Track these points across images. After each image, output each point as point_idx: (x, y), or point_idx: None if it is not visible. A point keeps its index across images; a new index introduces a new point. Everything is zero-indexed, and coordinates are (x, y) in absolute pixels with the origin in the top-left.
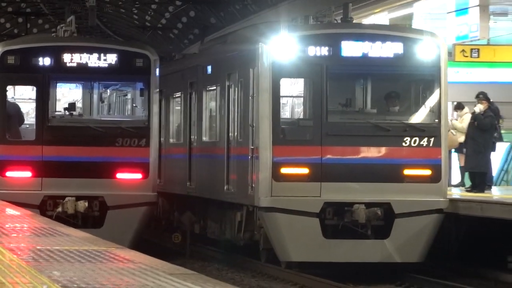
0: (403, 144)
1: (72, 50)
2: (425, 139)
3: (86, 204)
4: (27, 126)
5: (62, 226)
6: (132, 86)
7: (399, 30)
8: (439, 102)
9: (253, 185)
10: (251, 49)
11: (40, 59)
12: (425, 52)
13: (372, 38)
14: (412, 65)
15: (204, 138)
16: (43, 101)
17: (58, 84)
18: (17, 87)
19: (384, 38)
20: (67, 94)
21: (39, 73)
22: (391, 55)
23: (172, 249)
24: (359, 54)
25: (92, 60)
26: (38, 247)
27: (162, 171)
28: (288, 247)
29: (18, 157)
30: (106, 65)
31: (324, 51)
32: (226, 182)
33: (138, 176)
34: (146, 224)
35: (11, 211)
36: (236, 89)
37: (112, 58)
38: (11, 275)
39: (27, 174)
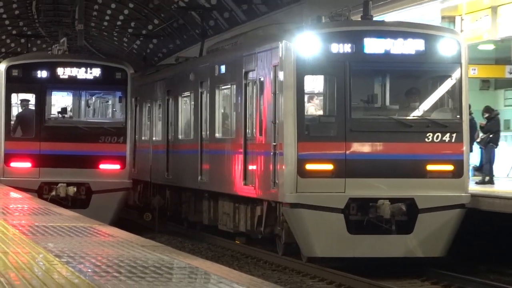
0: (426, 139)
1: (64, 65)
2: (447, 134)
3: (75, 189)
4: (30, 124)
5: (55, 207)
6: (113, 94)
7: (420, 27)
8: (460, 98)
9: (276, 181)
10: (274, 47)
11: (38, 72)
12: (446, 49)
13: (394, 35)
14: (433, 62)
15: (217, 135)
16: (41, 106)
17: (52, 92)
18: (19, 94)
19: (405, 35)
20: (60, 100)
21: (37, 83)
22: (413, 52)
23: (146, 226)
24: (382, 51)
25: (80, 73)
26: (35, 224)
27: (171, 165)
28: (313, 242)
29: (21, 150)
30: (92, 77)
31: (347, 48)
32: (243, 178)
33: (117, 167)
34: (123, 205)
35: (14, 194)
36: (255, 87)
37: (96, 72)
38: (14, 246)
39: (28, 164)
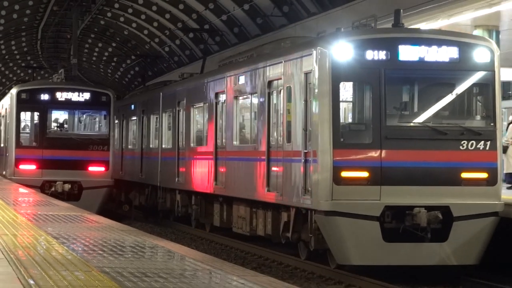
0: (460, 147)
1: (62, 90)
2: (482, 142)
3: (70, 186)
4: (35, 136)
5: (54, 200)
6: (99, 113)
7: (454, 35)
8: (493, 106)
9: (308, 188)
10: (305, 54)
11: (42, 95)
12: (479, 57)
13: (428, 42)
14: (467, 69)
15: (235, 143)
16: (43, 121)
17: (52, 111)
18: (27, 113)
19: (439, 43)
20: (58, 117)
21: (41, 104)
22: (447, 59)
23: (124, 215)
24: (416, 58)
25: (74, 96)
26: (38, 212)
27: (182, 171)
28: (348, 250)
29: (27, 156)
30: (83, 100)
31: (381, 55)
32: (266, 184)
33: (102, 169)
34: (107, 199)
35: (22, 189)
36: (280, 95)
37: (86, 95)
38: (21, 229)
39: (33, 167)
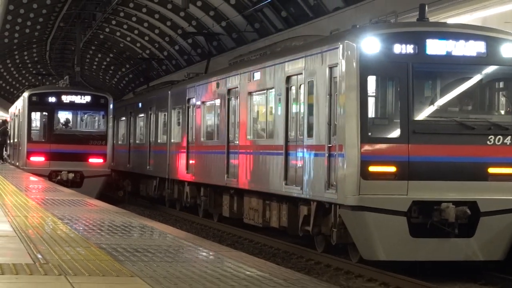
0: (488, 142)
1: (67, 94)
2: (509, 137)
3: (73, 175)
4: (43, 132)
5: (60, 187)
6: (98, 113)
7: (481, 29)
8: None
9: (333, 183)
10: (330, 48)
11: (49, 98)
12: (507, 51)
13: (456, 36)
14: (494, 64)
15: (248, 137)
16: (51, 120)
17: (59, 112)
18: (37, 113)
19: (467, 37)
20: (64, 116)
21: (49, 106)
22: (474, 54)
23: (119, 199)
24: (443, 53)
25: (77, 99)
26: (46, 197)
27: (192, 164)
28: (375, 245)
29: (37, 149)
30: (85, 102)
31: (409, 49)
32: (284, 178)
33: (101, 160)
34: (105, 186)
35: (33, 178)
36: (301, 90)
37: (88, 98)
38: (32, 212)
39: (42, 159)
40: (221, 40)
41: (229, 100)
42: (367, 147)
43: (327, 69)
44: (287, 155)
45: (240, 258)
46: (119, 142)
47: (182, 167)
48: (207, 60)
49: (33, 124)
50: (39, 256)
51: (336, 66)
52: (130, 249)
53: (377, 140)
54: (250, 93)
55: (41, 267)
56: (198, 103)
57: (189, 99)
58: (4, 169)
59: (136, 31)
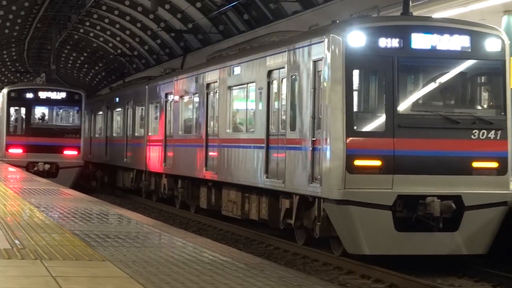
0: (472, 136)
1: (43, 90)
2: (493, 131)
3: (49, 166)
4: (21, 126)
5: (36, 177)
6: (73, 109)
7: (465, 24)
8: (504, 95)
9: (317, 176)
10: (314, 42)
11: (27, 94)
12: (490, 46)
13: (441, 31)
14: (478, 58)
15: (228, 131)
16: (28, 115)
17: (36, 107)
18: (15, 108)
19: (451, 31)
20: (41, 111)
21: (27, 101)
22: (458, 48)
23: (92, 189)
24: (428, 47)
25: (53, 95)
26: (24, 187)
27: (169, 157)
28: (360, 240)
29: (16, 142)
30: (60, 98)
31: (394, 43)
32: (265, 171)
33: (75, 152)
34: (78, 176)
35: (11, 169)
36: (283, 84)
37: (63, 95)
38: (10, 200)
39: (20, 151)
40: (188, 41)
41: (207, 94)
42: (352, 141)
43: (311, 63)
44: (268, 148)
45: (205, 244)
46: (96, 135)
47: (160, 159)
48: (183, 56)
49: (12, 118)
50: (17, 241)
51: (321, 59)
52: (102, 235)
53: (363, 134)
54: (230, 87)
55: (18, 252)
56: (176, 97)
57: (167, 94)
58: None
59: (108, 32)
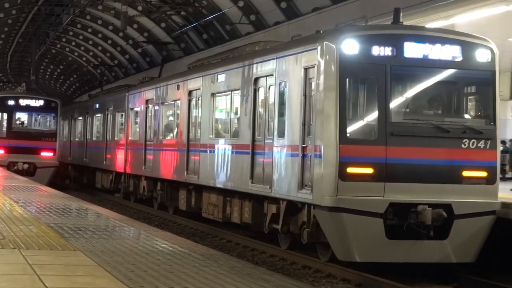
0: (462, 145)
1: (23, 98)
2: (482, 141)
3: (27, 165)
4: (3, 130)
5: (16, 175)
6: (50, 115)
7: (457, 34)
8: (493, 105)
9: (307, 183)
10: (306, 50)
11: (9, 101)
12: (481, 56)
13: (432, 40)
14: (468, 68)
15: (210, 136)
16: (10, 119)
17: (17, 113)
18: None
19: (443, 41)
20: (21, 117)
21: (9, 108)
22: (450, 58)
23: (65, 187)
24: (420, 56)
25: (32, 103)
26: (4, 184)
27: (149, 160)
28: (352, 247)
29: None
30: (38, 105)
31: (387, 51)
32: (250, 176)
33: (51, 154)
34: (54, 175)
35: None
36: (270, 91)
37: (40, 102)
38: None
39: (2, 151)
40: (153, 56)
41: (190, 101)
42: (345, 148)
43: (302, 70)
44: (253, 154)
45: (165, 237)
46: (76, 139)
47: (140, 162)
48: (161, 66)
49: None
50: None
51: (313, 67)
52: (74, 227)
53: (356, 142)
54: (213, 94)
55: None
56: (158, 104)
57: (147, 100)
58: None
59: (82, 47)
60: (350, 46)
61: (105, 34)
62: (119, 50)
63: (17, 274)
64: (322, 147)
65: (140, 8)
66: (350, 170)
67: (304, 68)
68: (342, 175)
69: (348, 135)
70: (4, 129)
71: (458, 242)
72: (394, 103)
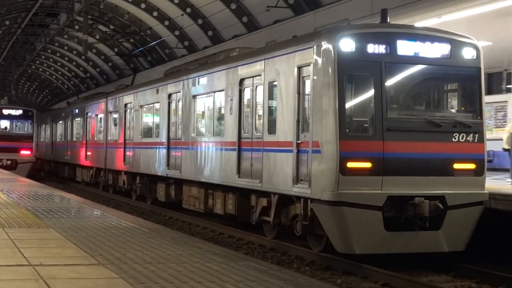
0: (453, 139)
1: (6, 108)
2: (471, 135)
3: (10, 161)
4: None
5: (1, 170)
6: (27, 121)
7: (445, 33)
8: (480, 101)
9: (304, 178)
10: (300, 49)
11: None
12: (468, 54)
13: (423, 38)
14: (456, 65)
15: (192, 134)
16: None
17: (0, 120)
18: None
19: (433, 39)
20: (4, 123)
21: None
22: (439, 55)
23: (40, 178)
24: (412, 53)
25: (13, 112)
26: None
27: (129, 157)
28: (352, 240)
29: None
30: (18, 114)
31: (381, 49)
32: (237, 171)
33: (28, 152)
34: (32, 169)
35: None
36: (257, 91)
37: (20, 112)
38: None
39: None
40: (109, 74)
41: (169, 103)
42: (345, 144)
43: (296, 69)
44: (240, 150)
45: (120, 215)
46: (57, 140)
47: (119, 159)
48: (133, 75)
49: None
50: None
51: (308, 65)
52: (47, 209)
53: (354, 137)
54: (194, 96)
55: None
56: (137, 107)
57: (126, 104)
58: None
59: (52, 68)
60: (347, 44)
61: (70, 57)
62: (81, 70)
63: (1, 248)
64: (322, 143)
65: (97, 36)
66: (350, 164)
67: (298, 67)
68: (343, 170)
69: (347, 130)
70: None
71: (451, 232)
72: (389, 99)
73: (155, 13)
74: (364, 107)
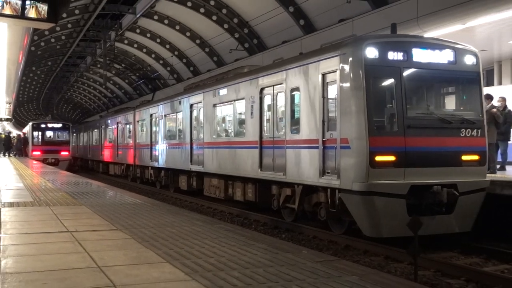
0: (461, 134)
1: (50, 123)
2: (475, 130)
3: (54, 160)
4: (40, 141)
5: (48, 166)
6: (65, 132)
7: (450, 42)
8: (480, 100)
9: (334, 171)
10: (325, 58)
11: (42, 125)
12: (469, 60)
13: (433, 46)
14: (461, 70)
15: (213, 136)
16: (43, 135)
17: (46, 131)
18: (36, 131)
19: (441, 47)
20: (49, 133)
21: (41, 128)
22: (446, 62)
23: (75, 171)
24: (425, 60)
25: (55, 125)
26: (41, 171)
27: (160, 155)
28: (381, 225)
29: (37, 148)
30: (58, 127)
31: (400, 56)
32: (259, 165)
33: (67, 153)
34: (69, 165)
35: (34, 162)
36: (278, 97)
37: (59, 125)
38: (33, 178)
39: (39, 152)
40: (115, 99)
41: (191, 112)
42: (373, 140)
43: (320, 76)
44: (261, 148)
45: (131, 195)
46: (93, 143)
47: (147, 157)
48: (153, 92)
49: (34, 137)
50: (36, 197)
51: (334, 72)
52: (80, 193)
53: (381, 133)
54: (214, 105)
55: (37, 202)
56: (161, 116)
57: (151, 114)
58: (19, 159)
59: (82, 94)
60: (371, 51)
61: (94, 86)
62: (108, 91)
63: (48, 220)
64: (352, 139)
65: (113, 71)
66: (378, 158)
67: (322, 74)
68: (372, 163)
69: (375, 128)
70: (40, 140)
71: (461, 215)
72: (408, 100)
73: (153, 55)
74: (387, 107)
